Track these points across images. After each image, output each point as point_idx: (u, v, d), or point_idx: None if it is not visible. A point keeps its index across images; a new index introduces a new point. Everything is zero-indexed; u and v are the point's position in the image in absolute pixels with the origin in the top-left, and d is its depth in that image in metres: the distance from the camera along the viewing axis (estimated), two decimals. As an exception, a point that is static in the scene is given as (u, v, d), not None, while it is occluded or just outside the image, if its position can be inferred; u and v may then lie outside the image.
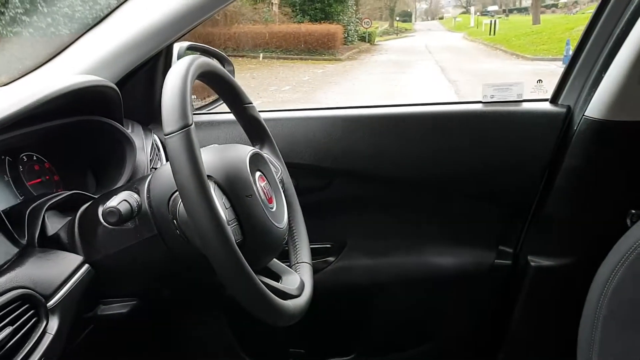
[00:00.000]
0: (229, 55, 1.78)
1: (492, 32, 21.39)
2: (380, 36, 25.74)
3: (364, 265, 1.53)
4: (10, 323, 0.74)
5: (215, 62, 0.97)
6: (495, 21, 22.78)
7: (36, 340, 0.78)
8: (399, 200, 1.55)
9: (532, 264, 1.48)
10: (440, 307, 1.56)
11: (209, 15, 1.23)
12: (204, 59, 0.91)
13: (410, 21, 44.77)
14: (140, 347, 1.52)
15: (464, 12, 43.37)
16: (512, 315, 1.54)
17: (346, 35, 18.58)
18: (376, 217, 1.56)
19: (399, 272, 1.53)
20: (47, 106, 0.96)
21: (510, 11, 39.64)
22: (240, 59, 14.31)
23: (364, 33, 20.80)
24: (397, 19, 37.15)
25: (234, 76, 1.27)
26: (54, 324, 0.81)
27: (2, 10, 7.33)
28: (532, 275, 1.49)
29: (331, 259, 1.52)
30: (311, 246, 1.11)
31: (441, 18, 50.09)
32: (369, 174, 1.47)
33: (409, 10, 46.58)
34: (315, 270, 1.35)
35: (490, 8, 40.94)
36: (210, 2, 1.20)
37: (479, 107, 1.48)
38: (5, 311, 0.74)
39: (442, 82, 11.08)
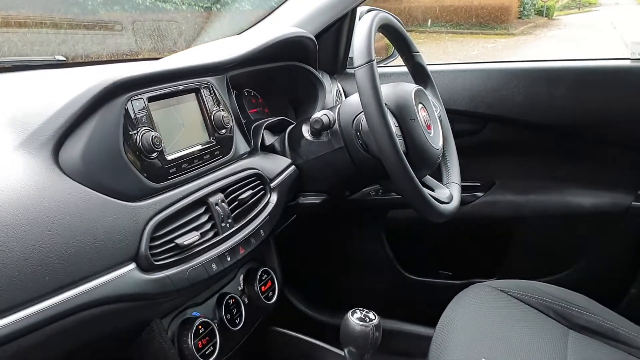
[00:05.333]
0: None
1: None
2: (560, 10, 24.13)
3: (508, 201, 1.71)
4: (251, 189, 1.11)
5: (392, 17, 1.26)
6: None
7: (264, 204, 1.15)
8: (545, 145, 1.70)
9: None
10: (578, 241, 1.70)
11: None
12: (384, 14, 1.20)
13: (596, -6, 41.27)
14: (325, 235, 1.89)
15: (661, -17, 38.95)
16: None
17: (522, 8, 17.71)
18: (523, 159, 1.73)
19: (539, 208, 1.69)
20: (266, 51, 1.29)
21: None
22: (409, 33, 14.39)
23: (541, 7, 19.69)
24: (581, -9, 34.47)
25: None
26: (274, 198, 1.17)
27: (195, -13, 8.12)
28: None
29: (479, 194, 1.73)
30: (462, 184, 1.33)
31: (633, -10, 45.49)
32: (519, 120, 1.65)
33: (595, -19, 42.95)
34: (464, 203, 1.59)
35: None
36: None
37: (626, 63, 1.59)
38: (247, 180, 1.12)
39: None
